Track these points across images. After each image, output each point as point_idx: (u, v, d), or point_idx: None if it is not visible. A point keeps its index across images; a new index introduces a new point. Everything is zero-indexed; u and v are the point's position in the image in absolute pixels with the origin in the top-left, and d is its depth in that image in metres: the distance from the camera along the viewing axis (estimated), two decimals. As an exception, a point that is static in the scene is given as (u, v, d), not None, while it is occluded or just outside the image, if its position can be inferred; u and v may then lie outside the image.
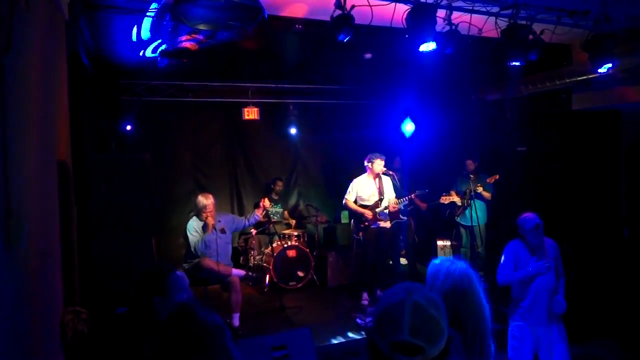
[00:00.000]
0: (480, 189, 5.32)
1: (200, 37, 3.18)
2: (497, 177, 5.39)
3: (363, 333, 4.08)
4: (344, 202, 5.01)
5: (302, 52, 4.91)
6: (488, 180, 5.38)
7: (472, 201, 5.13)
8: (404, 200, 4.95)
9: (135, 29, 3.34)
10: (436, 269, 1.46)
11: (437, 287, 1.40)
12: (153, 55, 3.63)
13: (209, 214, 4.12)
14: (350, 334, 4.07)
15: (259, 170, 6.80)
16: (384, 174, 4.91)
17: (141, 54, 3.67)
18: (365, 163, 4.92)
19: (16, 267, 1.56)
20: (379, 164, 4.82)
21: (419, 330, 0.92)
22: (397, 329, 0.92)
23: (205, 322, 1.12)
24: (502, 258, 3.08)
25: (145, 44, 3.55)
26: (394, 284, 1.05)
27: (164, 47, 3.50)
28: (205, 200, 4.15)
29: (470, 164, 5.60)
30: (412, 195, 4.97)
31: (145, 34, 3.40)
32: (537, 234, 2.93)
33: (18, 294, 1.57)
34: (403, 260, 6.79)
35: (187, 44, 3.24)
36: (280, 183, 6.35)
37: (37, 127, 1.93)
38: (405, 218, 5.33)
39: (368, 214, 4.81)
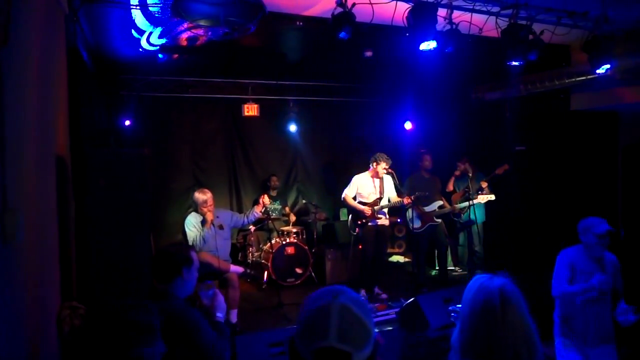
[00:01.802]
0: (484, 185, 5.28)
1: (200, 32, 3.16)
2: (507, 167, 5.28)
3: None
4: (342, 196, 5.01)
5: (302, 49, 4.90)
6: (497, 172, 5.30)
7: (471, 200, 5.11)
8: (401, 202, 4.89)
9: (137, 18, 3.31)
10: (477, 290, 1.23)
11: (495, 315, 1.16)
12: (159, 41, 3.56)
13: (209, 209, 4.12)
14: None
15: (258, 166, 6.80)
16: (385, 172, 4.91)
17: (144, 38, 3.60)
18: (370, 161, 4.91)
19: (13, 262, 1.55)
20: (382, 167, 4.80)
21: (346, 335, 0.85)
22: (323, 334, 0.85)
23: (127, 323, 1.13)
24: (556, 266, 2.73)
25: (146, 33, 3.50)
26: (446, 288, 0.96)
27: (164, 40, 3.48)
28: (203, 196, 4.15)
29: (460, 165, 5.46)
30: (412, 196, 4.95)
31: (146, 24, 3.35)
32: (605, 243, 2.59)
33: (14, 289, 1.56)
34: (400, 258, 6.80)
35: (187, 34, 3.21)
36: (274, 178, 6.34)
37: (35, 121, 1.92)
38: (439, 221, 5.22)
39: (367, 210, 4.81)
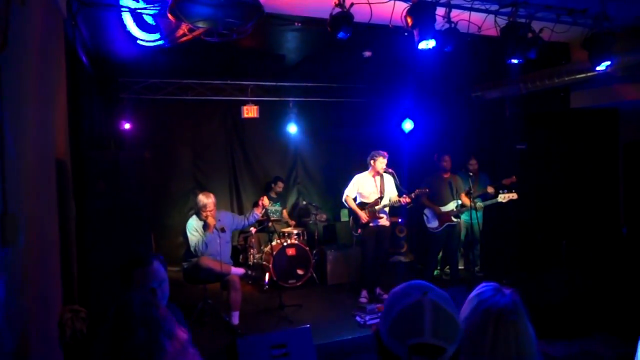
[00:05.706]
0: (491, 190, 5.22)
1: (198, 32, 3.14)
2: (514, 179, 5.18)
3: (364, 331, 4.09)
4: (344, 198, 5.00)
5: (301, 50, 4.90)
6: (504, 182, 5.24)
7: (473, 200, 5.07)
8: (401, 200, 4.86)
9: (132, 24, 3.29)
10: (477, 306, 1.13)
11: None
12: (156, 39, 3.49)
13: (209, 213, 4.08)
14: (350, 332, 4.07)
15: (258, 168, 6.79)
16: (385, 172, 4.90)
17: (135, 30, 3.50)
18: (368, 160, 4.91)
19: (13, 266, 1.55)
20: (381, 162, 4.78)
21: (440, 331, 0.90)
22: (418, 331, 0.89)
23: (137, 316, 1.12)
24: None
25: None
26: (401, 284, 0.99)
27: (162, 42, 3.47)
28: (206, 199, 4.10)
29: (474, 164, 5.49)
30: (413, 195, 4.94)
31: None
32: None
33: (15, 293, 1.56)
34: (401, 258, 6.77)
35: (184, 31, 3.19)
36: (281, 184, 6.30)
37: (35, 124, 1.92)
38: (457, 220, 5.14)
39: (363, 217, 4.79)
